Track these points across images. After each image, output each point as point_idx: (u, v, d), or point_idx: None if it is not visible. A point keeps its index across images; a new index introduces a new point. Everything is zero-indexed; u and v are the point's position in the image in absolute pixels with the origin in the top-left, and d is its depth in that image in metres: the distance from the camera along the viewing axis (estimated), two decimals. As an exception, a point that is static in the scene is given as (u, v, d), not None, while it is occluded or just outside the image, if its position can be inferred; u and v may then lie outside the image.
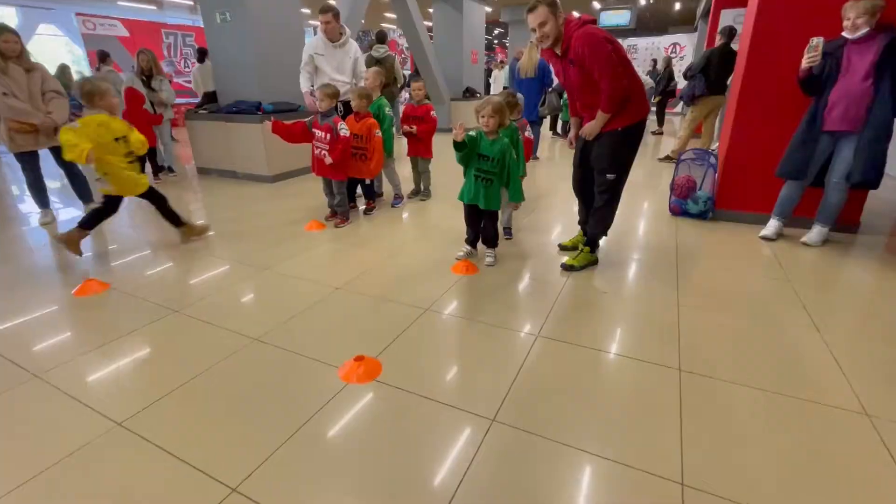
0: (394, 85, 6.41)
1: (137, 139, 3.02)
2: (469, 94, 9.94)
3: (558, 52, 2.41)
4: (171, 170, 5.69)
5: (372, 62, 6.47)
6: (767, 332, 2.06)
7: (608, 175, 2.54)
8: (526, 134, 3.44)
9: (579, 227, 3.01)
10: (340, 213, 3.62)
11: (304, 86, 4.12)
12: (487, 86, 11.62)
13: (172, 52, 12.72)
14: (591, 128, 2.50)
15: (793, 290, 2.45)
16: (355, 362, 1.79)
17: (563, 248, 3.02)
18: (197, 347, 2.00)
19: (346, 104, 4.11)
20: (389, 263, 2.87)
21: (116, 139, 2.85)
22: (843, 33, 2.79)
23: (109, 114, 2.85)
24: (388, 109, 3.81)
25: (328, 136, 3.38)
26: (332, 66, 4.07)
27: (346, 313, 2.27)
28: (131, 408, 1.61)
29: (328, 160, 3.39)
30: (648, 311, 2.25)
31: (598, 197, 2.65)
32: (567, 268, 2.71)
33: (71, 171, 3.87)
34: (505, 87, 11.78)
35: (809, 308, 2.25)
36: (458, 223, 3.26)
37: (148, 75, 5.27)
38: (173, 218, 3.24)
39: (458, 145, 2.54)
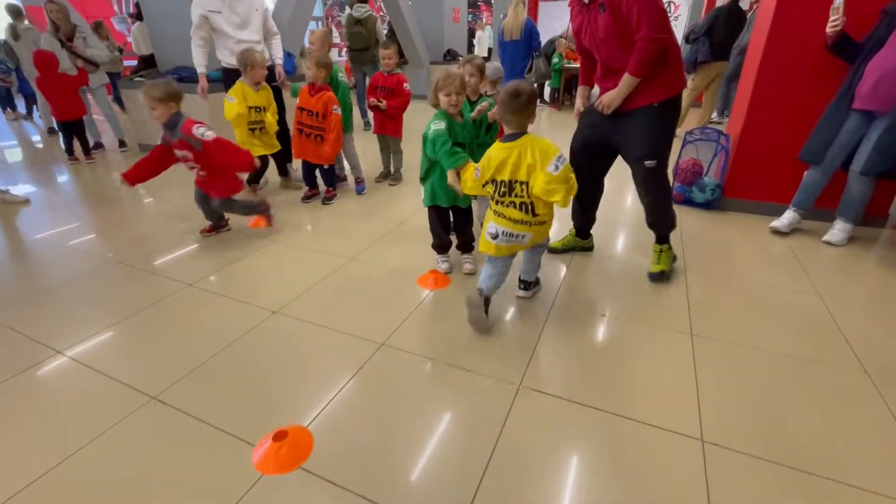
0: (375, 48, 5.71)
1: (271, 120, 3.23)
2: (450, 56, 9.17)
3: None
4: (122, 143, 5.02)
5: (352, 23, 5.73)
6: (806, 382, 1.64)
7: (647, 162, 2.04)
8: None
9: (572, 223, 2.55)
10: (215, 226, 2.86)
11: (200, 62, 3.29)
12: (470, 47, 10.81)
13: (124, 6, 11.50)
14: (611, 97, 1.99)
15: (826, 309, 2.04)
16: (275, 443, 1.33)
17: (553, 250, 2.56)
18: (73, 413, 1.51)
19: (230, 72, 3.33)
20: (342, 273, 2.38)
21: (250, 108, 3.15)
22: None
23: (251, 85, 3.12)
24: (341, 76, 3.23)
25: (189, 152, 2.49)
26: (233, 24, 3.26)
27: (277, 354, 1.79)
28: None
29: (201, 175, 2.61)
30: (656, 345, 1.82)
31: (642, 191, 2.17)
32: (657, 276, 2.25)
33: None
34: (489, 48, 10.97)
35: (853, 342, 1.83)
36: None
37: (65, 33, 4.50)
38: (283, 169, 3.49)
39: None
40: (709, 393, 1.55)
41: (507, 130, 1.75)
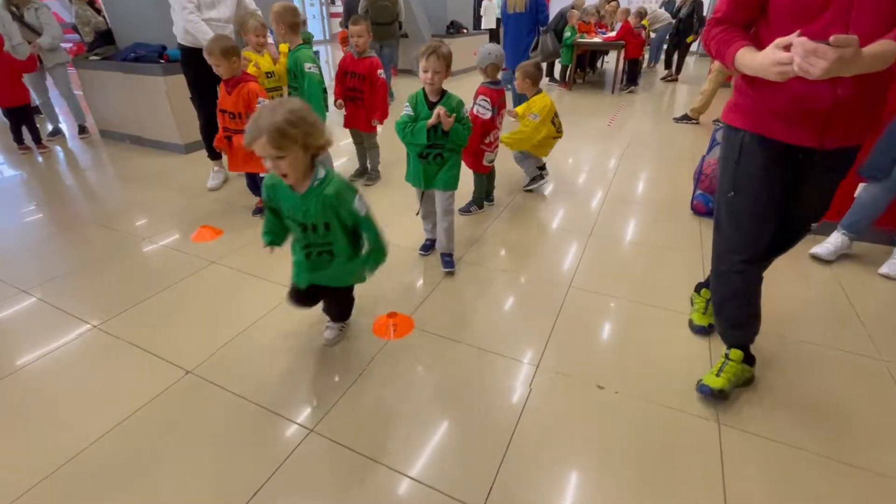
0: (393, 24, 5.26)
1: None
2: (454, 29, 8.48)
3: None
4: (82, 129, 4.58)
5: None
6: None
7: (814, 225, 1.49)
8: (477, 114, 2.38)
9: (725, 337, 1.60)
10: None
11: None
12: (477, 19, 10.04)
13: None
14: (871, 55, 1.02)
15: (891, 377, 1.58)
16: None
17: (721, 396, 1.47)
18: None
19: (189, 50, 2.98)
20: (282, 313, 1.91)
21: (268, 74, 2.93)
22: None
23: (253, 49, 2.91)
24: (309, 66, 2.68)
25: None
26: (205, 2, 2.84)
27: (172, 447, 1.37)
28: None
29: None
30: (674, 445, 1.38)
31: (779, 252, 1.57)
32: (705, 330, 1.82)
33: None
34: (498, 19, 10.17)
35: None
36: (410, 223, 2.36)
37: (17, 4, 4.03)
38: None
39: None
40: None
41: (533, 91, 2.92)
